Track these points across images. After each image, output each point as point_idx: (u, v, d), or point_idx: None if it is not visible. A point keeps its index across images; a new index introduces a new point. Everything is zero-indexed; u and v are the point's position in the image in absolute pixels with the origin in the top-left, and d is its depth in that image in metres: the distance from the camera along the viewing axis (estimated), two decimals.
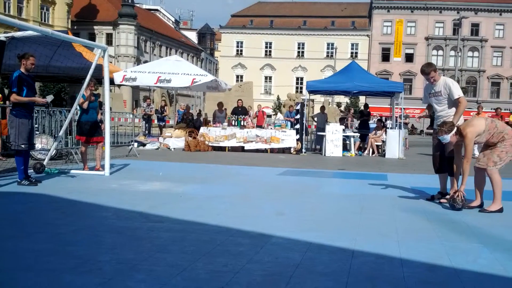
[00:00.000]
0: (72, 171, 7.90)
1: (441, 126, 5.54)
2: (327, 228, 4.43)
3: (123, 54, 53.30)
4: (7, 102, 8.30)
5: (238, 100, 17.59)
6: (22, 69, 6.43)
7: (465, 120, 5.89)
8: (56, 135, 9.32)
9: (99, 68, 8.79)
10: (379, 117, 17.70)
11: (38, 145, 9.95)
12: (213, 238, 3.88)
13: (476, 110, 15.46)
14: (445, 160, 5.95)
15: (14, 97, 6.32)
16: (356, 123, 19.21)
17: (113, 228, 4.21)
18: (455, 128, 5.43)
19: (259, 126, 17.83)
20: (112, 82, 13.31)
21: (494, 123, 5.47)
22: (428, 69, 5.98)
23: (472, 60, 58.30)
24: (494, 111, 15.86)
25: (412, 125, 41.07)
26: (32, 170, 7.32)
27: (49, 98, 6.65)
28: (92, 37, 50.57)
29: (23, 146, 6.46)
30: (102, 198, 5.64)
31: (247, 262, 3.24)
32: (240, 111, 16.43)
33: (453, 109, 5.87)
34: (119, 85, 16.33)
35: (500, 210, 5.33)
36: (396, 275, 3.06)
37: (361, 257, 3.44)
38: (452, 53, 55.44)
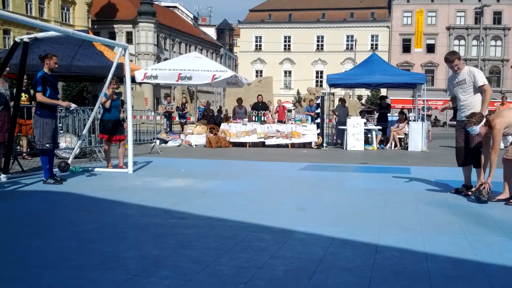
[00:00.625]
0: (96, 169, 8.03)
1: (470, 117, 5.43)
2: (349, 223, 4.42)
3: (143, 52, 53.77)
4: (33, 102, 8.45)
5: (258, 95, 17.58)
6: (46, 69, 6.55)
7: (489, 111, 5.79)
8: (80, 134, 9.47)
9: (120, 67, 8.90)
10: (401, 109, 17.44)
11: (62, 144, 10.12)
12: (236, 234, 3.90)
13: (500, 100, 15.14)
14: (470, 152, 5.85)
15: (40, 97, 6.43)
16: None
17: (136, 225, 4.27)
18: (484, 119, 5.33)
19: (280, 121, 17.81)
20: (133, 80, 13.45)
21: None
22: (452, 57, 5.89)
23: (495, 49, 57.12)
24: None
25: (435, 117, 40.54)
26: (57, 169, 7.45)
27: (73, 106, 6.83)
28: (112, 35, 51.13)
29: (47, 145, 6.58)
30: (126, 196, 5.72)
31: (270, 258, 3.26)
32: (260, 106, 16.43)
33: (477, 97, 5.76)
34: (140, 83, 16.45)
35: None
36: (420, 269, 3.03)
37: (385, 252, 3.42)
38: (475, 42, 54.40)
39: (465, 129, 5.69)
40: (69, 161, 8.03)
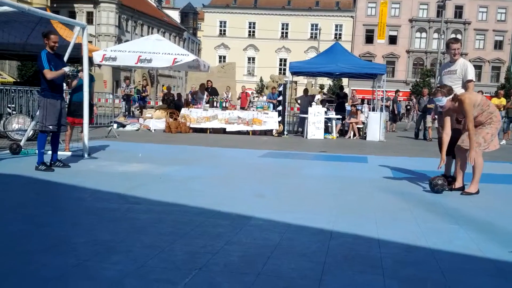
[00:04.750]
0: (49, 152, 7.77)
1: (441, 87, 5.46)
2: (306, 209, 4.44)
3: (104, 33, 52.38)
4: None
5: (208, 80, 17.59)
6: (47, 48, 6.25)
7: None
8: (33, 115, 9.14)
9: (77, 47, 8.60)
10: (352, 103, 17.60)
11: (15, 126, 9.78)
12: (192, 219, 3.86)
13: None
14: (454, 144, 5.85)
15: (49, 74, 6.10)
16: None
17: (90, 209, 4.16)
18: (453, 94, 5.36)
19: (243, 107, 17.77)
20: (91, 62, 13.07)
21: (488, 102, 5.48)
22: (456, 40, 6.03)
23: None
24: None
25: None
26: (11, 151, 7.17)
27: (67, 69, 6.37)
28: (72, 15, 49.50)
29: (50, 127, 6.25)
30: (79, 180, 5.56)
31: (225, 244, 3.23)
32: (210, 91, 16.49)
33: (462, 91, 5.79)
34: (99, 65, 16.02)
35: (477, 192, 5.39)
36: (373, 255, 3.08)
37: (340, 238, 3.46)
38: (436, 35, 55.64)
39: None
40: (22, 143, 7.75)
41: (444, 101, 5.37)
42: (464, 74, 5.84)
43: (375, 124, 14.22)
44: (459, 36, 57.46)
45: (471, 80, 5.83)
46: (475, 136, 5.29)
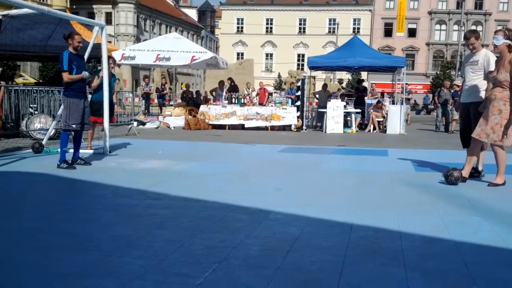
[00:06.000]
0: (71, 151, 7.87)
1: (508, 29, 5.35)
2: (326, 203, 4.41)
3: (122, 33, 52.84)
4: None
5: (229, 78, 17.60)
6: (70, 49, 6.33)
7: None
8: (54, 115, 9.27)
9: (97, 47, 8.68)
10: (376, 96, 17.43)
11: (37, 125, 9.93)
12: (212, 214, 3.86)
13: None
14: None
15: (65, 77, 6.18)
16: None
17: (110, 206, 4.20)
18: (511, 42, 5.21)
19: (261, 103, 17.75)
20: (113, 59, 13.17)
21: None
22: (469, 34, 5.83)
23: None
24: None
25: (415, 101, 40.72)
26: (30, 150, 7.28)
27: (85, 74, 6.43)
28: (91, 16, 50.02)
29: (73, 126, 6.32)
30: (100, 177, 5.62)
31: (245, 238, 3.23)
32: (231, 89, 16.59)
33: (483, 82, 5.66)
34: (118, 65, 16.17)
35: (504, 183, 5.30)
36: (394, 248, 3.04)
37: (360, 231, 3.42)
38: (456, 27, 54.75)
39: (468, 110, 5.71)
40: (44, 142, 7.86)
41: (501, 40, 5.25)
42: (486, 65, 5.71)
43: (395, 117, 14.08)
44: (479, 28, 56.52)
45: (492, 71, 5.69)
46: (485, 126, 5.25)
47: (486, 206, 4.33)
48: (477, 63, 5.75)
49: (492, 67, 5.59)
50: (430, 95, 29.52)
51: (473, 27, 56.60)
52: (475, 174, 5.79)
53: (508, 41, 5.23)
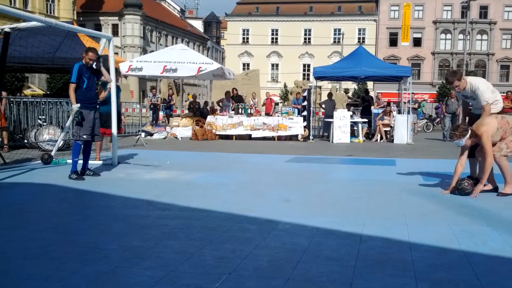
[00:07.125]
0: (80, 162, 7.91)
1: (454, 130, 5.39)
2: (334, 213, 4.41)
3: (129, 44, 53.25)
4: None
5: (233, 88, 17.68)
6: (83, 61, 6.42)
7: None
8: (63, 126, 9.34)
9: (104, 59, 8.75)
10: (388, 102, 17.48)
11: (46, 136, 10.00)
12: (220, 225, 3.87)
13: (505, 94, 15.11)
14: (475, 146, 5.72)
15: (71, 88, 6.30)
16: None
17: (119, 216, 4.22)
18: (469, 132, 5.26)
19: (268, 114, 17.78)
20: (119, 71, 13.28)
21: (505, 119, 5.35)
22: (451, 78, 5.71)
23: (481, 43, 57.50)
24: (505, 94, 15.63)
25: (430, 115, 40.16)
26: (40, 161, 7.32)
27: (75, 107, 6.44)
28: (98, 28, 50.50)
29: (84, 136, 6.41)
30: (109, 188, 5.65)
31: (254, 248, 3.23)
32: (235, 98, 16.67)
33: (490, 95, 5.63)
34: (125, 76, 16.28)
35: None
36: (404, 259, 3.03)
37: (369, 242, 3.41)
38: (461, 36, 54.70)
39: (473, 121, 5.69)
40: (53, 153, 7.91)
41: (463, 142, 5.30)
42: (477, 100, 5.65)
43: (402, 126, 14.05)
44: (484, 37, 56.47)
45: (486, 104, 5.57)
46: (499, 142, 5.30)
47: (496, 216, 4.31)
48: (471, 97, 5.76)
49: (483, 101, 5.54)
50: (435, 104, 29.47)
51: (479, 36, 56.66)
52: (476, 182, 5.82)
53: (465, 137, 5.23)
